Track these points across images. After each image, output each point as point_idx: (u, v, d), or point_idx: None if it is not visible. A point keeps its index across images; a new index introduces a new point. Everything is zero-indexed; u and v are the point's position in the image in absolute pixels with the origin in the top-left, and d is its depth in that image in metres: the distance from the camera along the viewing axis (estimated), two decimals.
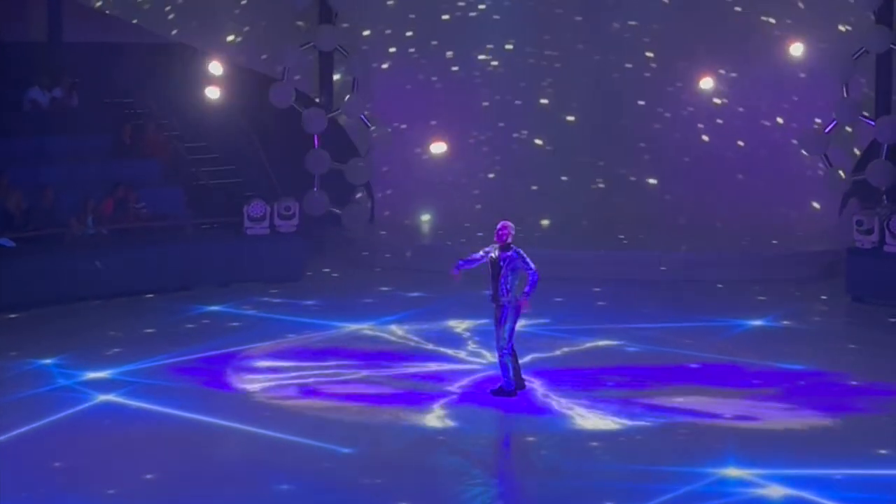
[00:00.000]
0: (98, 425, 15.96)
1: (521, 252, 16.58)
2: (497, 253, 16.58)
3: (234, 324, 21.04)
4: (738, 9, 27.29)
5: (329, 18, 26.58)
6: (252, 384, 17.65)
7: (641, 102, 27.97)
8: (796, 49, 26.20)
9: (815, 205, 26.99)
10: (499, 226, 16.68)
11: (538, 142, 28.39)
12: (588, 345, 19.72)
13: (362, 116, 26.87)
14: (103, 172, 23.88)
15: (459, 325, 20.70)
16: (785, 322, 21.37)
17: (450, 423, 16.05)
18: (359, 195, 26.95)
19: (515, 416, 16.34)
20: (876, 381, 17.88)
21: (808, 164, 26.86)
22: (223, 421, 16.04)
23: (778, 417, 16.31)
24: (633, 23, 27.70)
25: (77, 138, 24.37)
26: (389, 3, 27.85)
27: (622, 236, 26.23)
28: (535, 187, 28.14)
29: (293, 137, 26.24)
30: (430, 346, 19.54)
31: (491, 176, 28.29)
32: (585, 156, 28.00)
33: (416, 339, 20.02)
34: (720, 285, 23.73)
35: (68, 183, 23.30)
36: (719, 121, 27.90)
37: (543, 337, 19.86)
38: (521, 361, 17.01)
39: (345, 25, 26.92)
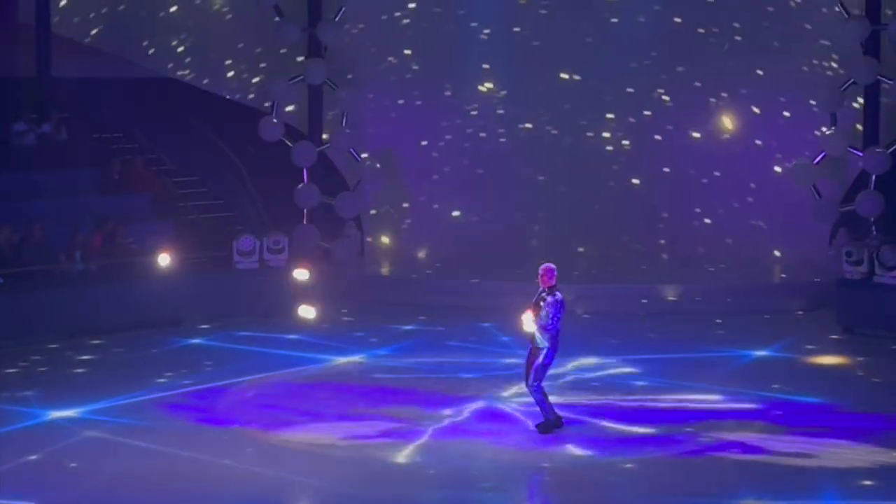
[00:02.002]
0: (81, 460, 15.87)
1: (561, 300, 16.36)
2: (544, 297, 16.34)
3: (223, 358, 20.96)
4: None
5: (318, 52, 26.61)
6: (239, 419, 17.56)
7: (626, 141, 28.00)
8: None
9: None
10: (542, 270, 16.44)
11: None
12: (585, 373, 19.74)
13: (351, 150, 26.88)
14: (92, 207, 23.84)
15: (453, 358, 20.66)
16: (779, 353, 21.38)
17: (439, 456, 15.99)
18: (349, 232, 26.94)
19: (509, 450, 16.25)
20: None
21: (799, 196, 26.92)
22: (209, 457, 15.95)
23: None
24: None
25: (66, 173, 24.35)
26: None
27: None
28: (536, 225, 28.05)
29: (282, 171, 26.24)
30: (422, 379, 19.46)
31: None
32: (576, 186, 28.05)
33: (409, 372, 19.97)
34: (719, 320, 23.69)
35: (57, 218, 23.28)
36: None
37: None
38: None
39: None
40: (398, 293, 25.16)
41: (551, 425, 16.62)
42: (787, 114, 27.31)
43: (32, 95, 25.51)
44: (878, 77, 25.09)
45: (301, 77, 26.55)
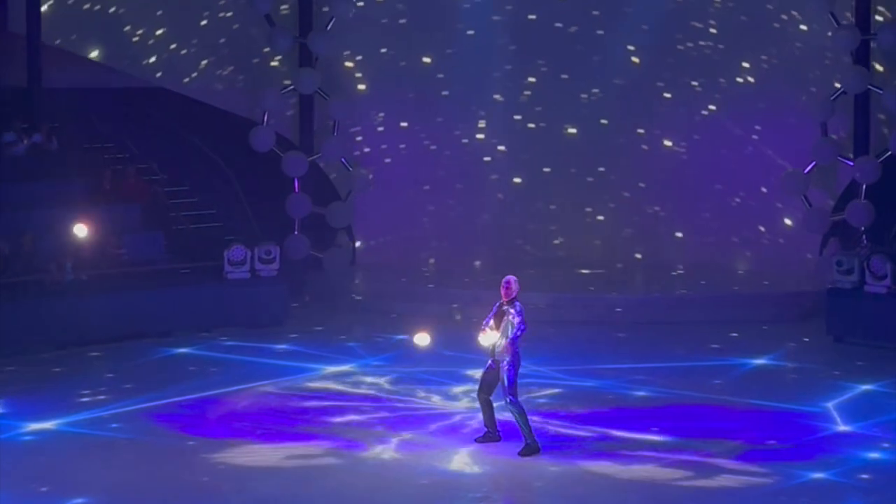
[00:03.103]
0: (53, 475, 15.88)
1: (523, 310, 16.10)
2: (506, 309, 16.06)
3: (213, 368, 20.93)
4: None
5: (309, 62, 26.63)
6: (231, 429, 17.54)
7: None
8: None
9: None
10: (505, 282, 16.15)
11: (517, 180, 28.38)
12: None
13: (342, 160, 26.88)
14: (83, 217, 23.73)
15: (439, 369, 20.64)
16: (771, 362, 21.36)
17: (431, 466, 15.97)
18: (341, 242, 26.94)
19: (498, 460, 16.25)
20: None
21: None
22: (196, 461, 16.00)
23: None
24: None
25: (57, 183, 24.25)
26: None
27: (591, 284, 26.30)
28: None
29: (273, 181, 26.23)
30: (414, 389, 19.46)
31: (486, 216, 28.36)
32: (560, 197, 28.11)
33: (396, 382, 19.94)
34: (721, 330, 23.52)
35: (48, 228, 23.16)
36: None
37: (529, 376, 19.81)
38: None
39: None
40: (392, 302, 25.05)
41: (534, 449, 16.27)
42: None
43: (23, 105, 25.48)
44: (869, 86, 25.11)
45: (292, 87, 26.57)
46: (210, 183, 26.03)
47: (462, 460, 16.29)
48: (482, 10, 27.61)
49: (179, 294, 23.35)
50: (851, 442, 17.11)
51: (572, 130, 28.12)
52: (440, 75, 27.98)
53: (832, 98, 25.38)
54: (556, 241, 28.06)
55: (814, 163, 25.68)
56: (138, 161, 25.77)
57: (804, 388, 19.77)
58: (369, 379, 20.15)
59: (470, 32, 27.68)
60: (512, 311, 16.03)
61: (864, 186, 25.01)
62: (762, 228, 27.51)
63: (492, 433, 16.66)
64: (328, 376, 20.40)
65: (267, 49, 27.00)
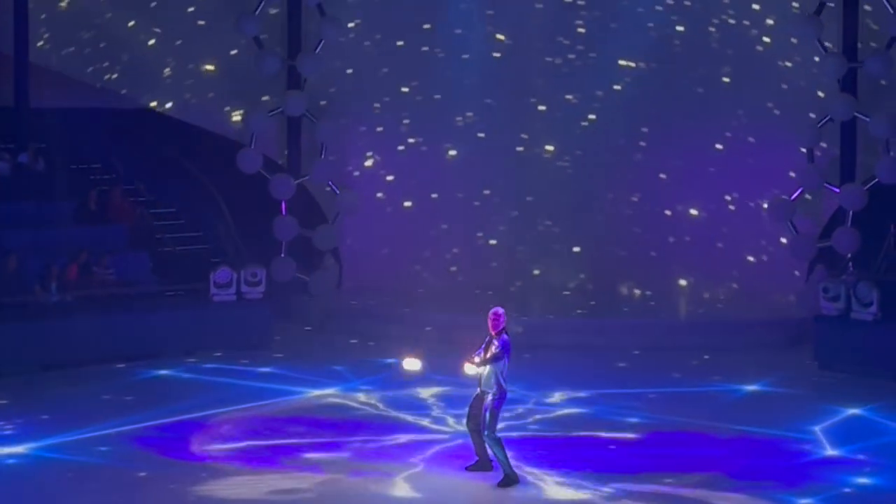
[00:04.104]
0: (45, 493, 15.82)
1: (509, 341, 16.01)
2: (493, 342, 15.93)
3: (198, 391, 20.79)
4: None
5: (297, 84, 26.61)
6: (211, 452, 17.41)
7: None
8: None
9: (783, 240, 27.05)
10: (493, 314, 16.03)
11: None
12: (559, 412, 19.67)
13: (330, 182, 26.84)
14: (68, 238, 23.70)
15: (426, 392, 20.57)
16: (758, 388, 21.34)
17: (415, 493, 15.90)
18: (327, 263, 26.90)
19: (482, 486, 16.16)
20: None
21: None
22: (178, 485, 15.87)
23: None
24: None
25: (42, 204, 24.23)
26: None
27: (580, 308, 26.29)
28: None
29: (261, 203, 26.17)
30: (396, 414, 19.38)
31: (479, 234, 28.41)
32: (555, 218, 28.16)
33: (382, 406, 19.86)
34: (707, 356, 23.54)
35: (33, 249, 23.13)
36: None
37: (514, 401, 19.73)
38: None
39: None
40: (379, 326, 24.96)
41: (512, 480, 16.12)
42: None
43: (9, 125, 25.41)
44: (855, 114, 25.15)
45: (280, 109, 26.56)
46: (197, 204, 25.98)
47: (447, 486, 16.20)
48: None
49: (165, 316, 23.29)
50: (838, 467, 17.06)
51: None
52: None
53: (819, 125, 25.41)
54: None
55: (800, 189, 25.70)
56: (125, 182, 25.75)
57: (791, 414, 19.73)
58: (355, 403, 20.05)
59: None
60: (496, 342, 15.97)
61: (850, 213, 25.02)
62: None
63: (483, 462, 16.52)
64: (313, 399, 20.29)
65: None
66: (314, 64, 26.52)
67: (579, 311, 26.05)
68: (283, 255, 26.12)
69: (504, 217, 28.23)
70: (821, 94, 26.15)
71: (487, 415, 15.99)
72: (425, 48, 27.98)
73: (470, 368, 16.08)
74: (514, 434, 17.98)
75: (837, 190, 25.30)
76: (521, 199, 28.15)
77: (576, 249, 27.89)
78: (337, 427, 18.68)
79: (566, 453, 17.51)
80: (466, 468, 16.62)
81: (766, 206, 26.65)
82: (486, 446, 16.26)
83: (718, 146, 27.73)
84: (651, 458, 17.44)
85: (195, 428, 18.58)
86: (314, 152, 26.90)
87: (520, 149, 28.07)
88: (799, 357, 23.40)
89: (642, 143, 27.86)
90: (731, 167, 27.49)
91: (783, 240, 26.64)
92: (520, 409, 19.43)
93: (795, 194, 25.76)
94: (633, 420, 19.25)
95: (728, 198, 27.69)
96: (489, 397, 16.01)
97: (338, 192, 26.87)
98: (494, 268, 27.83)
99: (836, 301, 22.96)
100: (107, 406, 19.76)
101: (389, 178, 28.32)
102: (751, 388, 21.42)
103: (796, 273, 26.35)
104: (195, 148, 26.83)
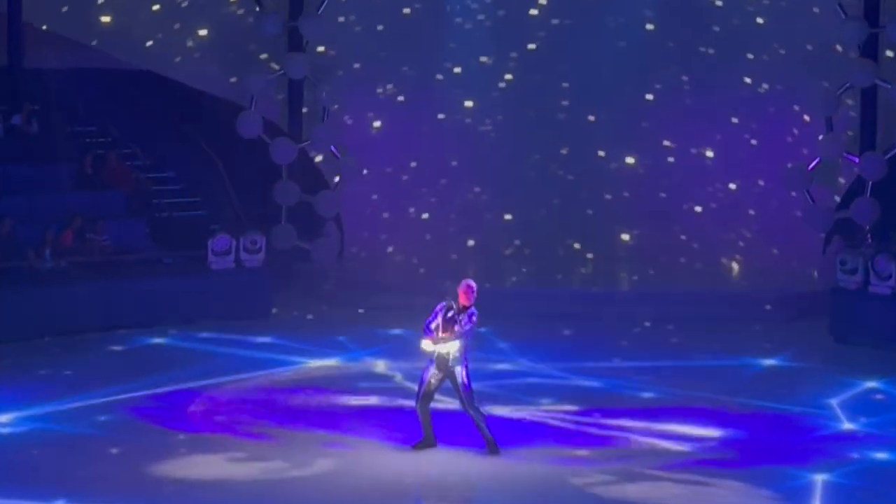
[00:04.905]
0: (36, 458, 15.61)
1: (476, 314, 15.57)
2: (455, 315, 15.49)
3: (195, 359, 20.49)
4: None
5: (299, 46, 26.04)
6: (212, 422, 17.21)
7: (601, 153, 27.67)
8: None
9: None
10: (466, 286, 15.56)
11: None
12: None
13: (332, 147, 26.29)
14: (63, 203, 23.27)
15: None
16: (774, 362, 20.99)
17: (421, 468, 15.61)
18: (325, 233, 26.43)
19: (494, 461, 15.81)
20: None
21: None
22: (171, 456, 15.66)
23: None
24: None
25: (36, 167, 23.85)
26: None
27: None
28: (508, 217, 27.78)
29: (261, 168, 25.65)
30: (400, 385, 19.00)
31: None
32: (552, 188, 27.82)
33: (388, 376, 19.57)
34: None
35: (27, 214, 22.78)
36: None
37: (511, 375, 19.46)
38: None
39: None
40: (383, 296, 24.45)
41: (494, 448, 15.83)
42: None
43: (2, 86, 24.99)
44: (876, 81, 24.55)
45: (282, 71, 26.02)
46: (195, 169, 25.53)
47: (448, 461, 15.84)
48: None
49: (162, 283, 22.88)
50: (856, 441, 16.86)
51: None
52: None
53: (838, 92, 24.81)
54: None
55: (818, 159, 25.14)
56: (121, 146, 25.38)
57: (807, 388, 19.37)
58: (356, 373, 19.72)
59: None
60: (463, 317, 15.45)
61: (869, 183, 24.46)
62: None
63: (429, 439, 16.02)
64: (313, 370, 19.99)
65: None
66: (316, 25, 25.96)
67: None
68: (283, 222, 25.59)
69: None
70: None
71: (465, 393, 15.58)
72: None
73: (435, 346, 15.53)
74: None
75: (857, 159, 24.73)
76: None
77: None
78: (338, 398, 18.36)
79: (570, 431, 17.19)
80: (413, 447, 16.05)
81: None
82: (430, 420, 15.80)
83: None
84: (662, 434, 17.04)
85: (192, 397, 18.30)
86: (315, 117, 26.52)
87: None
88: (814, 331, 22.83)
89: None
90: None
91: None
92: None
93: (813, 164, 25.18)
94: (647, 395, 18.90)
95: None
96: (458, 371, 15.53)
97: (339, 156, 26.31)
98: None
99: (854, 274, 22.45)
100: (101, 374, 19.44)
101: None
102: (768, 362, 20.96)
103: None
104: (194, 111, 26.28)
